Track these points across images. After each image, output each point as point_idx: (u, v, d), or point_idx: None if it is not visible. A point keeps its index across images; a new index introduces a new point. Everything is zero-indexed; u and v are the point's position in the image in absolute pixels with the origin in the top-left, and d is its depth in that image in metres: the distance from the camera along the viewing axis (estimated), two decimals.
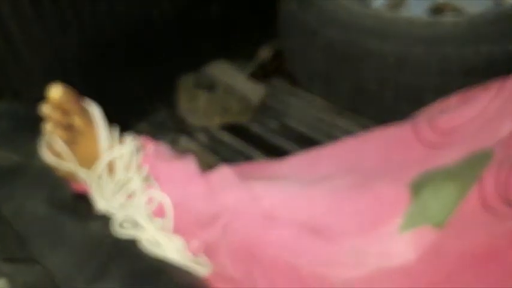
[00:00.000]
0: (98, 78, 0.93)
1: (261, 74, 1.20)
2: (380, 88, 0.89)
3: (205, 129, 1.07)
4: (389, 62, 0.86)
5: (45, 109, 0.58)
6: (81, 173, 0.61)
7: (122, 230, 0.58)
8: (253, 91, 1.11)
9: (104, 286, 0.49)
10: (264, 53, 1.25)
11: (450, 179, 0.65)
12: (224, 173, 0.68)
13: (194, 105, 1.07)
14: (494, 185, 0.61)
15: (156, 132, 1.05)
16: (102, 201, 0.61)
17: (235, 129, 1.06)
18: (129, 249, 0.55)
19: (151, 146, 0.66)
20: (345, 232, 0.65)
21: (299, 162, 0.79)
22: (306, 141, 0.99)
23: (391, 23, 0.87)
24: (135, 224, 0.60)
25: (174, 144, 1.02)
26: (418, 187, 0.65)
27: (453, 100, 0.78)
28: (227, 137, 1.05)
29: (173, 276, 0.53)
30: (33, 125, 0.69)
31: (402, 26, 0.86)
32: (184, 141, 1.05)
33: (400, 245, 0.63)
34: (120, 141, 0.64)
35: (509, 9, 0.90)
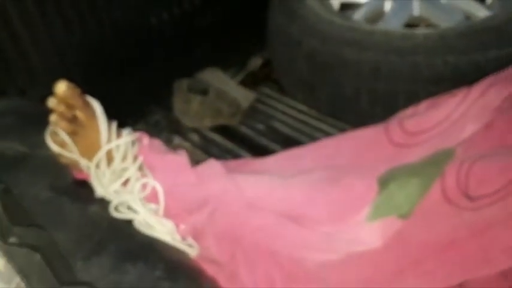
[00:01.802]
0: (98, 79, 0.96)
1: (251, 81, 1.24)
2: (356, 94, 0.93)
3: (198, 130, 1.10)
4: (365, 71, 0.90)
5: (51, 103, 0.61)
6: (82, 162, 0.64)
7: (118, 213, 0.62)
8: (243, 96, 1.15)
9: (100, 261, 0.52)
10: (254, 62, 1.30)
11: (415, 174, 0.69)
12: (212, 165, 0.72)
13: (188, 107, 1.11)
14: (455, 181, 0.65)
15: (151, 131, 1.05)
16: (100, 188, 0.64)
17: (225, 131, 1.10)
18: (124, 230, 0.59)
19: (146, 140, 0.70)
20: (319, 220, 0.68)
21: (281, 159, 0.82)
22: (290, 143, 1.02)
23: (367, 35, 0.91)
24: (130, 208, 0.63)
25: (168, 143, 1.05)
26: (385, 181, 0.69)
27: (423, 105, 0.81)
28: (217, 138, 1.09)
29: (163, 253, 0.56)
30: (37, 120, 0.73)
31: (378, 38, 0.90)
32: (177, 140, 1.08)
33: (367, 233, 0.67)
34: (118, 135, 0.67)
35: (477, 24, 0.95)
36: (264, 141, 1.06)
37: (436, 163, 0.70)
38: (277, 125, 1.10)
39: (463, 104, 0.78)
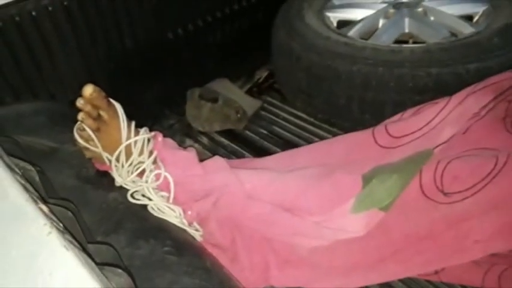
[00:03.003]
0: (119, 86, 1.00)
1: (256, 91, 1.31)
2: (348, 103, 0.98)
3: (207, 133, 1.16)
4: (356, 82, 0.95)
5: (79, 103, 0.66)
6: (104, 155, 0.70)
7: (133, 200, 0.68)
8: (249, 104, 1.21)
9: (117, 237, 0.58)
10: (260, 74, 1.36)
11: (395, 171, 0.73)
12: (217, 161, 0.77)
13: (199, 113, 1.16)
14: (432, 178, 0.69)
15: (166, 134, 1.13)
16: (119, 178, 0.70)
17: (232, 134, 1.16)
18: (138, 213, 0.65)
19: (160, 138, 0.76)
20: (309, 210, 0.73)
21: (279, 158, 0.88)
22: (289, 146, 1.08)
23: (359, 49, 0.97)
24: (144, 196, 0.69)
25: (180, 144, 1.11)
26: (369, 178, 0.74)
27: (408, 113, 0.86)
28: (225, 140, 1.14)
29: (172, 233, 0.62)
30: (64, 120, 0.79)
31: (368, 52, 0.96)
32: (189, 142, 1.14)
33: (352, 223, 0.72)
34: (136, 133, 0.73)
35: (461, 39, 1.00)
36: (266, 145, 1.12)
37: (415, 162, 0.74)
38: (278, 130, 1.16)
39: (443, 111, 0.82)
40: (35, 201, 0.36)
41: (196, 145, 1.13)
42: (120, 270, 0.37)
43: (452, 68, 0.90)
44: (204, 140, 1.15)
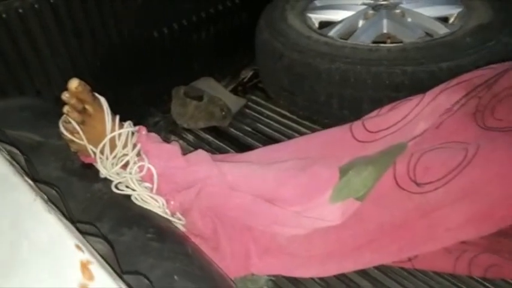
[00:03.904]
0: (105, 83, 1.01)
1: (242, 89, 1.33)
2: (328, 100, 1.01)
3: (192, 130, 1.18)
4: (335, 79, 0.98)
5: (64, 96, 0.68)
6: (89, 148, 0.72)
7: (118, 190, 0.70)
8: (233, 102, 1.23)
9: (101, 225, 0.60)
10: (245, 73, 1.38)
11: (371, 163, 0.76)
12: (200, 154, 0.79)
13: (184, 111, 1.18)
14: (405, 169, 0.72)
15: (151, 131, 1.14)
16: (104, 170, 0.72)
17: (217, 131, 1.18)
18: (122, 203, 0.66)
19: (144, 131, 0.77)
20: (289, 201, 0.76)
21: (260, 152, 0.90)
22: (272, 142, 1.06)
23: (339, 48, 1.00)
24: (128, 187, 0.71)
25: (165, 141, 1.13)
26: (345, 170, 0.77)
27: (384, 109, 0.88)
28: (209, 137, 1.16)
29: (154, 221, 0.64)
30: (51, 115, 0.79)
31: (347, 51, 0.99)
32: (174, 139, 1.15)
33: (330, 212, 0.75)
34: (120, 126, 0.74)
35: (436, 39, 1.04)
36: (250, 141, 1.14)
37: (390, 154, 0.77)
38: (262, 127, 1.18)
39: (417, 107, 0.85)
40: (21, 175, 0.38)
41: (181, 142, 1.15)
42: (101, 239, 0.38)
43: (426, 66, 0.93)
44: (189, 137, 1.17)
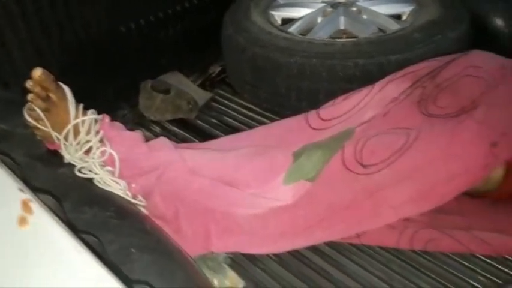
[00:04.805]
0: (72, 77, 1.02)
1: (209, 84, 1.37)
2: (287, 92, 1.06)
3: (159, 122, 1.22)
4: (294, 72, 1.03)
5: (28, 84, 0.71)
6: (53, 135, 0.74)
7: (81, 174, 0.73)
8: (200, 95, 1.27)
9: (64, 204, 0.63)
10: (213, 69, 1.42)
11: (320, 147, 0.82)
12: (162, 140, 0.83)
13: (151, 103, 1.21)
14: (352, 152, 0.78)
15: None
16: (68, 155, 0.75)
17: (183, 123, 1.21)
18: (85, 185, 0.70)
19: (107, 119, 0.81)
20: (246, 183, 0.80)
21: (222, 141, 0.95)
22: None
23: (297, 43, 1.06)
24: (91, 171, 0.74)
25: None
26: (298, 154, 0.82)
27: (339, 99, 0.94)
28: (176, 129, 1.20)
29: (116, 202, 0.67)
30: (18, 106, 0.82)
31: (304, 45, 1.05)
32: (141, 131, 1.19)
33: (283, 193, 0.79)
34: (84, 114, 0.77)
35: (387, 34, 1.10)
36: (216, 133, 1.18)
37: (338, 139, 0.83)
38: (228, 119, 1.22)
39: (367, 96, 0.91)
40: None
41: (147, 133, 1.17)
42: (49, 196, 0.41)
43: (376, 59, 0.99)
44: (157, 129, 1.20)
